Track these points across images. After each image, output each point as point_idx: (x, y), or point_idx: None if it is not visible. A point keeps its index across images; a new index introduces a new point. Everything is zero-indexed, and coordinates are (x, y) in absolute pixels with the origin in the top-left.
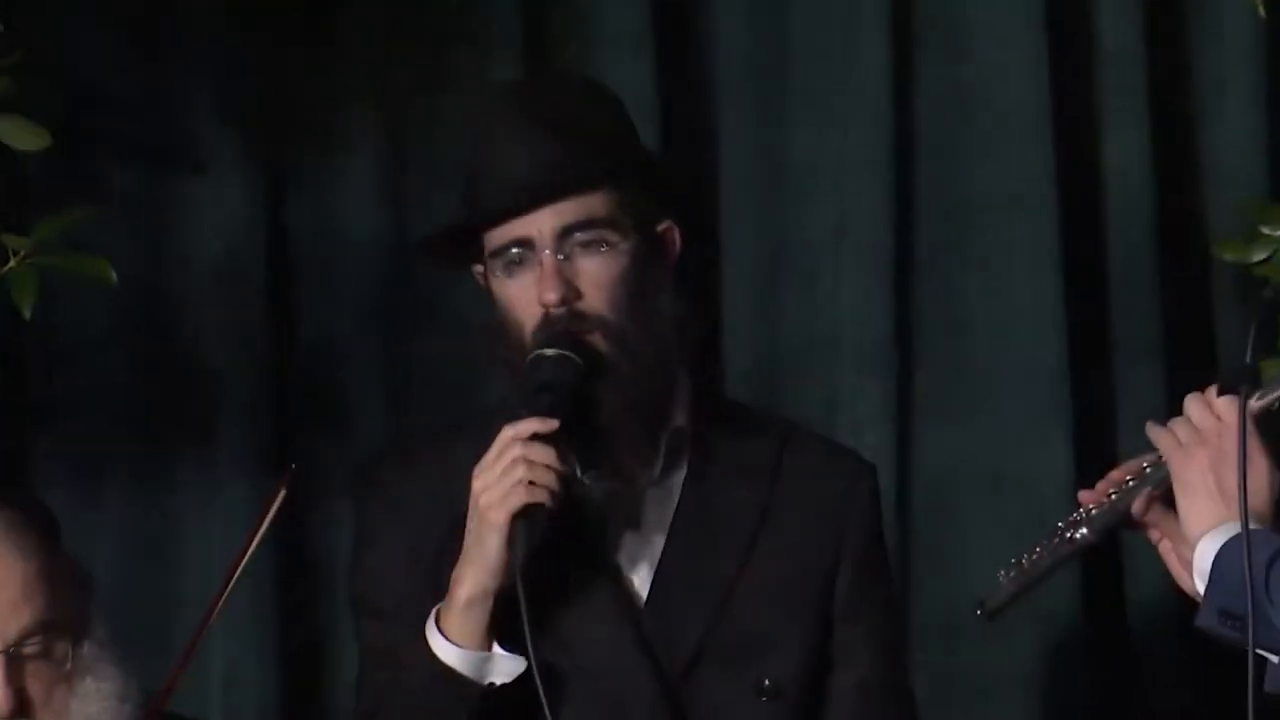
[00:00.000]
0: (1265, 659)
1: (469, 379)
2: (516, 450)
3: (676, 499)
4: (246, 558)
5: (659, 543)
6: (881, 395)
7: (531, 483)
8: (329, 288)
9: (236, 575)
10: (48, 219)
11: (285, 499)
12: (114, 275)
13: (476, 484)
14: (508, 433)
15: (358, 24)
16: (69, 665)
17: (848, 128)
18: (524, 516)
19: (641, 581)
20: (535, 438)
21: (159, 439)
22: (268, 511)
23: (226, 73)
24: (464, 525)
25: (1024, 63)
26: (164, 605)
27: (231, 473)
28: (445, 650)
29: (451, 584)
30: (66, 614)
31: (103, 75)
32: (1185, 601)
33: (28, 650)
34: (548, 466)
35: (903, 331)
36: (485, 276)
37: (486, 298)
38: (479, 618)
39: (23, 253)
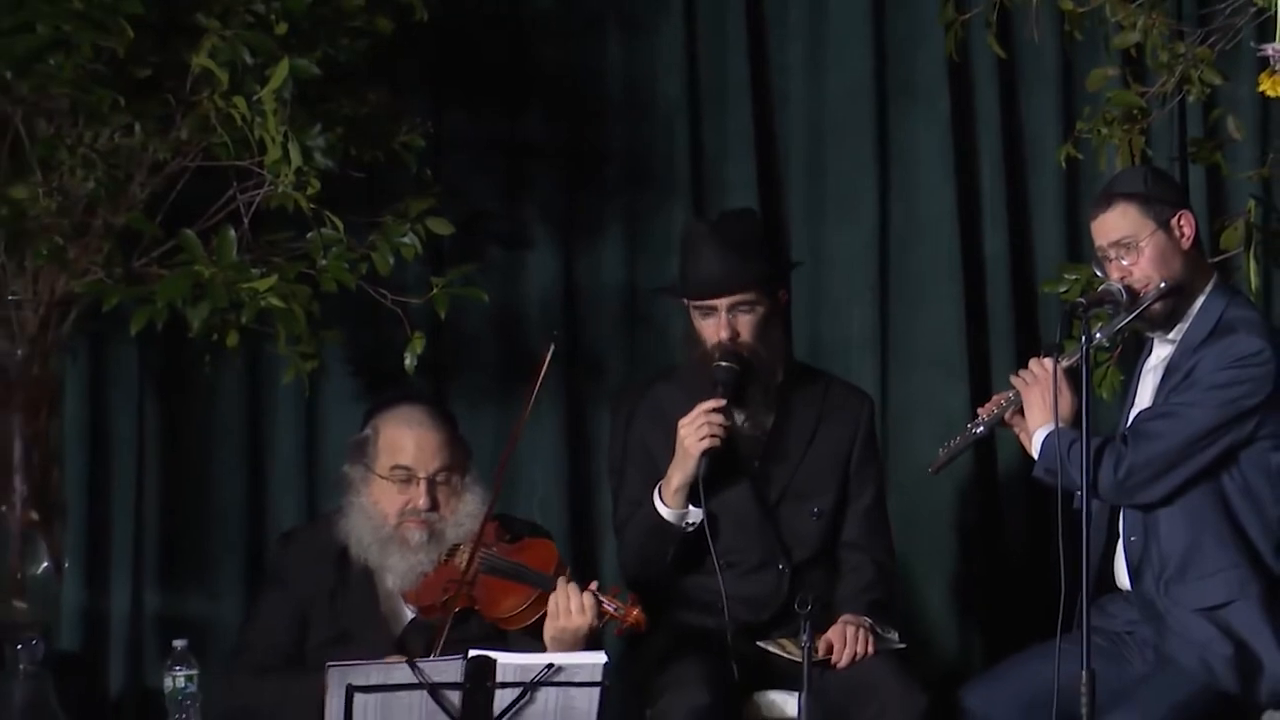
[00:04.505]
0: (1072, 493)
1: (669, 349)
2: (704, 418)
3: (774, 418)
4: (534, 395)
5: (765, 440)
6: (871, 365)
7: (711, 436)
8: (597, 309)
9: (530, 405)
10: (454, 269)
11: (552, 355)
12: (486, 298)
13: (682, 431)
14: (700, 407)
15: (616, 166)
16: (459, 488)
17: (853, 233)
18: (705, 454)
19: (757, 459)
20: (714, 410)
21: (508, 385)
22: (543, 363)
23: (543, 194)
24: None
25: (944, 196)
26: (509, 468)
27: (546, 400)
28: (663, 510)
29: (667, 477)
30: (457, 461)
31: (482, 196)
32: (1027, 467)
33: (438, 479)
34: (720, 424)
35: (883, 336)
36: (689, 310)
37: (681, 311)
38: (682, 495)
39: (440, 285)
